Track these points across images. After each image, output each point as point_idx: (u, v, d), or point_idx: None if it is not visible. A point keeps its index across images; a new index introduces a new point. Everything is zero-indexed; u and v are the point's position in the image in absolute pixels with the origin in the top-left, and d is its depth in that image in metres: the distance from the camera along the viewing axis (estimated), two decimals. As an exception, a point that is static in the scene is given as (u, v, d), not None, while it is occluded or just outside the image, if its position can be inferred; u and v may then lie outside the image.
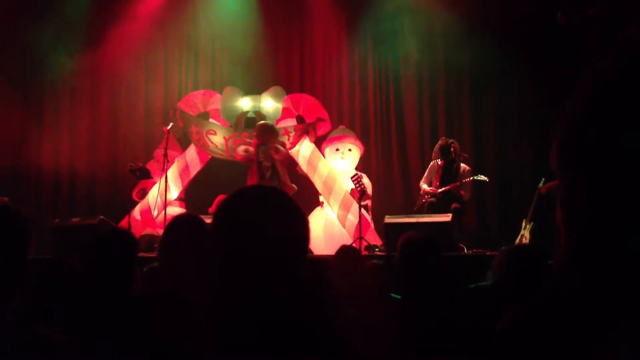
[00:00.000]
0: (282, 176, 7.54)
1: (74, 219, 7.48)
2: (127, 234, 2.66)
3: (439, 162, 7.44)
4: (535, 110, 8.43)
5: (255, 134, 7.75)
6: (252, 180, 7.60)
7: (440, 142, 7.57)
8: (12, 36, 9.35)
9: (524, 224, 7.26)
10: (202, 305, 1.91)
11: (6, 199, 7.60)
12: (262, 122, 8.02)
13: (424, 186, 7.51)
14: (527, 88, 8.48)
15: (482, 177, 7.35)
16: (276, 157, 7.54)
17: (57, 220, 7.61)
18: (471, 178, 7.30)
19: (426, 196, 7.41)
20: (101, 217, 7.13)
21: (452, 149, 7.36)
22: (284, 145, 7.80)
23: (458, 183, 7.24)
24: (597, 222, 0.83)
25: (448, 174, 7.36)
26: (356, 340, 1.40)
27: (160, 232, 7.54)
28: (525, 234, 7.19)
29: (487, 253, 6.56)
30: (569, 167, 0.86)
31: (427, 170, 7.65)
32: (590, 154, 0.83)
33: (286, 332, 1.25)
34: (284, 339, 1.24)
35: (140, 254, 5.15)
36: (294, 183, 8.69)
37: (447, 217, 6.61)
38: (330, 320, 1.40)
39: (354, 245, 6.72)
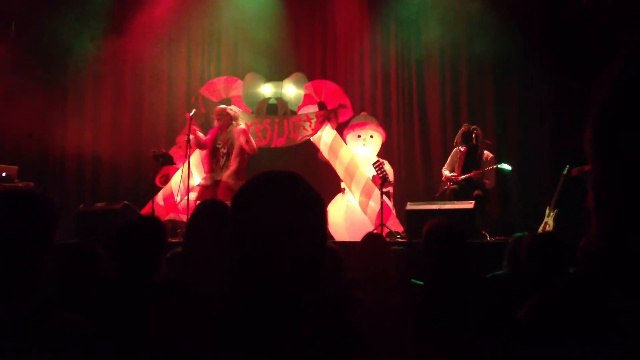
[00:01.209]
0: (235, 166, 7.31)
1: (98, 205, 7.56)
2: (156, 220, 2.67)
3: (462, 149, 7.38)
4: (559, 97, 8.32)
5: (216, 118, 7.58)
6: (205, 166, 7.53)
7: (462, 128, 7.51)
8: (36, 22, 9.43)
9: (547, 211, 7.18)
10: (215, 294, 1.92)
11: (32, 183, 7.72)
12: (221, 106, 7.80)
13: (446, 172, 7.47)
14: (550, 74, 8.36)
15: (506, 166, 7.26)
16: (247, 148, 7.36)
17: (81, 206, 7.71)
18: (495, 166, 7.22)
19: (448, 183, 7.36)
20: (125, 202, 7.19)
21: (474, 135, 7.29)
22: (246, 132, 7.54)
23: (480, 170, 7.18)
24: (629, 210, 0.81)
25: (471, 160, 7.30)
26: (369, 327, 1.40)
27: (183, 217, 7.63)
28: (548, 222, 7.11)
29: (510, 240, 6.50)
30: (603, 154, 0.84)
31: (450, 156, 7.60)
32: (625, 142, 0.81)
33: (301, 321, 1.25)
34: (299, 329, 1.24)
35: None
36: (315, 170, 8.70)
37: (469, 205, 6.57)
38: (343, 308, 1.39)
39: (377, 232, 6.71)
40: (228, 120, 7.47)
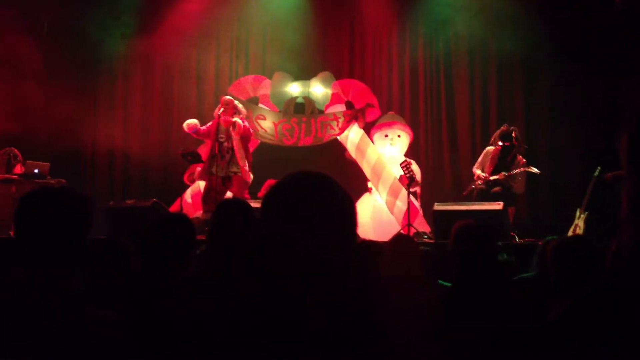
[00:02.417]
0: (242, 158, 7.36)
1: (128, 201, 7.65)
2: (184, 217, 2.69)
3: (495, 148, 7.30)
4: (589, 99, 8.20)
5: (221, 108, 7.49)
6: (207, 158, 7.42)
7: (502, 127, 7.41)
8: (68, 21, 9.58)
9: (578, 213, 7.09)
10: (240, 292, 1.93)
11: (64, 180, 7.85)
12: (228, 97, 7.72)
13: (478, 171, 7.37)
14: (582, 74, 8.24)
15: (534, 170, 7.14)
16: (233, 132, 7.33)
17: (111, 202, 7.81)
18: (522, 169, 7.10)
19: (478, 181, 7.28)
20: (154, 199, 7.28)
21: (513, 135, 7.20)
22: (243, 120, 7.48)
23: (509, 173, 7.07)
24: None
25: (502, 161, 7.22)
26: (394, 326, 1.40)
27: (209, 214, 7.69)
28: (579, 224, 7.01)
29: (540, 242, 6.43)
30: (639, 163, 0.83)
31: (482, 154, 7.50)
32: None
33: (331, 319, 1.25)
34: (330, 327, 1.25)
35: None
36: (342, 169, 8.70)
37: (498, 205, 6.51)
38: (370, 307, 1.40)
39: (403, 232, 6.70)
40: (232, 113, 7.49)
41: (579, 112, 8.50)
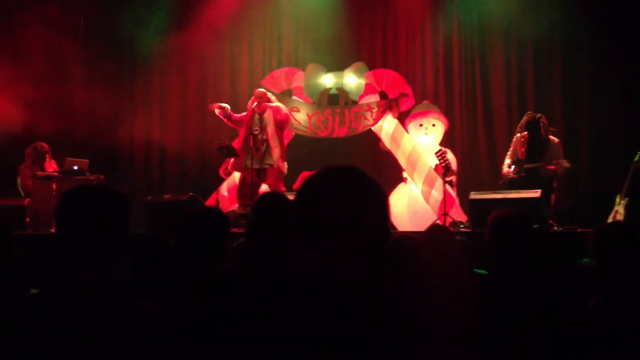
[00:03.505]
0: (278, 149, 7.39)
1: (166, 196, 7.77)
2: (218, 212, 2.74)
3: (523, 135, 7.13)
4: (630, 83, 8.01)
5: (255, 101, 7.53)
6: (241, 151, 7.45)
7: (526, 117, 7.24)
8: (104, 17, 9.73)
9: (617, 200, 6.94)
10: (275, 285, 1.95)
11: (102, 176, 8.00)
12: (261, 89, 7.78)
13: (505, 164, 7.21)
14: (624, 55, 8.05)
15: (565, 164, 6.96)
16: (278, 117, 7.40)
17: (149, 197, 7.94)
18: (561, 160, 6.92)
19: (510, 174, 7.11)
20: (191, 193, 7.36)
21: (541, 124, 7.03)
22: (280, 110, 7.55)
23: (544, 163, 6.92)
24: None
25: (534, 148, 7.04)
26: (430, 317, 1.40)
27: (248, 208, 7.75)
28: (619, 210, 6.87)
29: (578, 230, 6.34)
30: None
31: (512, 144, 7.33)
32: None
33: (366, 315, 1.26)
34: (364, 323, 1.25)
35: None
36: (377, 160, 8.67)
37: (536, 193, 6.41)
38: (403, 301, 1.40)
39: (441, 223, 6.66)
40: (265, 105, 7.53)
41: (621, 93, 8.31)
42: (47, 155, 8.05)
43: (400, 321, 1.28)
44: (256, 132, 7.41)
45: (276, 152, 7.42)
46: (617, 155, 8.18)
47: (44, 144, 8.10)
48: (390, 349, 1.24)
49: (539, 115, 7.17)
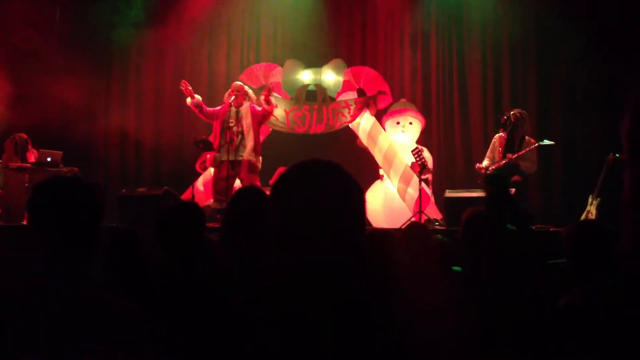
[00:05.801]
0: (252, 143, 7.39)
1: (140, 189, 7.70)
2: (194, 206, 2.71)
3: (502, 134, 7.24)
4: (603, 84, 8.13)
5: (232, 94, 7.51)
6: (216, 145, 7.45)
7: (505, 116, 7.32)
8: (79, 7, 9.59)
9: (590, 200, 7.04)
10: (252, 280, 1.94)
11: (76, 168, 7.89)
12: (239, 82, 7.78)
13: (482, 163, 7.30)
14: (596, 58, 8.16)
15: (548, 142, 7.10)
16: (266, 107, 7.45)
17: (123, 190, 7.86)
18: (536, 144, 7.03)
19: (482, 171, 7.22)
20: (166, 188, 7.31)
21: (511, 114, 7.15)
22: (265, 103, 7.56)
23: (516, 154, 7.01)
24: None
25: (510, 145, 7.15)
26: (409, 314, 1.40)
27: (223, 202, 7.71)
28: (591, 210, 6.97)
29: (551, 229, 6.42)
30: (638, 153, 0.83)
31: (490, 145, 7.43)
32: None
33: (343, 308, 1.26)
34: (342, 316, 1.25)
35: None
36: (354, 157, 8.68)
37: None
38: (388, 295, 1.40)
39: (416, 220, 6.69)
40: (243, 98, 7.52)
41: (594, 95, 8.43)
42: (28, 146, 7.93)
43: (377, 317, 1.28)
44: (231, 125, 7.40)
45: (250, 145, 7.40)
46: (589, 155, 8.29)
47: (23, 135, 7.97)
48: (366, 345, 1.24)
49: (512, 112, 7.22)
